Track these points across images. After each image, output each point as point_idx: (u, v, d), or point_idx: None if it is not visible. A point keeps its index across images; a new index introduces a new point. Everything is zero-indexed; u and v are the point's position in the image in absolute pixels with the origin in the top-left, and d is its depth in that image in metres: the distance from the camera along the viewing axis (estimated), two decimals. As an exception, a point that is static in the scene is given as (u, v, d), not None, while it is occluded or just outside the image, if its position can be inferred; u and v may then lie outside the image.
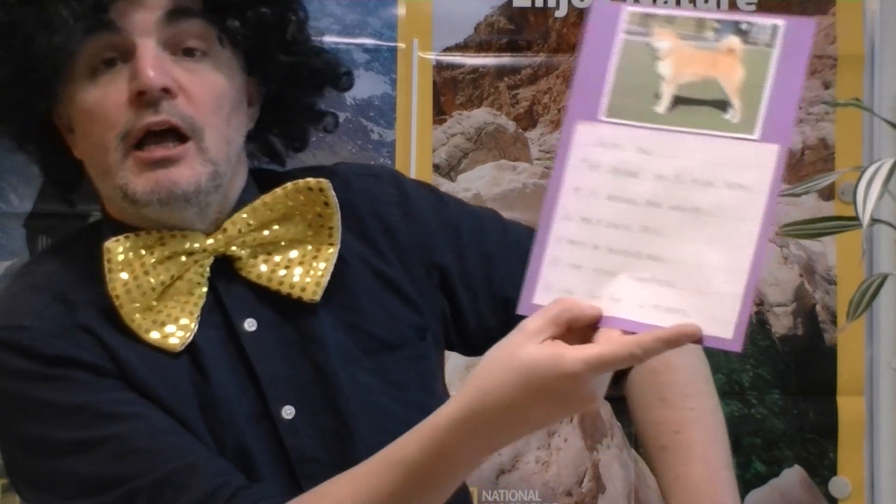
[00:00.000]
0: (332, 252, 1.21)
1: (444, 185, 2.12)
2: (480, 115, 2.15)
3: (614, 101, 1.01)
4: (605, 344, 0.95)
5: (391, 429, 1.06)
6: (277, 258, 1.20)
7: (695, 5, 2.14)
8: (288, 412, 1.18)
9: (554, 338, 0.96)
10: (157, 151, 1.13)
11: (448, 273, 1.28)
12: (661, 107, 1.00)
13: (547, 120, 2.18)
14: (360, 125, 2.09)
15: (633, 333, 0.95)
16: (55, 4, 1.11)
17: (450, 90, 2.14)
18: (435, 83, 2.12)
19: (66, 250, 1.23)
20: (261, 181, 1.26)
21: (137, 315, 1.15)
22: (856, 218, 1.08)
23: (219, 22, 1.18)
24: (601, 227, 0.99)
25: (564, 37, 2.16)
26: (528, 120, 2.17)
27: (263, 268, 1.20)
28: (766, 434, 2.12)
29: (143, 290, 1.15)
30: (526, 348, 0.96)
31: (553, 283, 1.00)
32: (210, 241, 1.18)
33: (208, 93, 1.16)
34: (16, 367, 1.14)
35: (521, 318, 1.27)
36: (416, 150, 2.11)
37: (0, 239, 2.08)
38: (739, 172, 0.96)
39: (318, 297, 1.20)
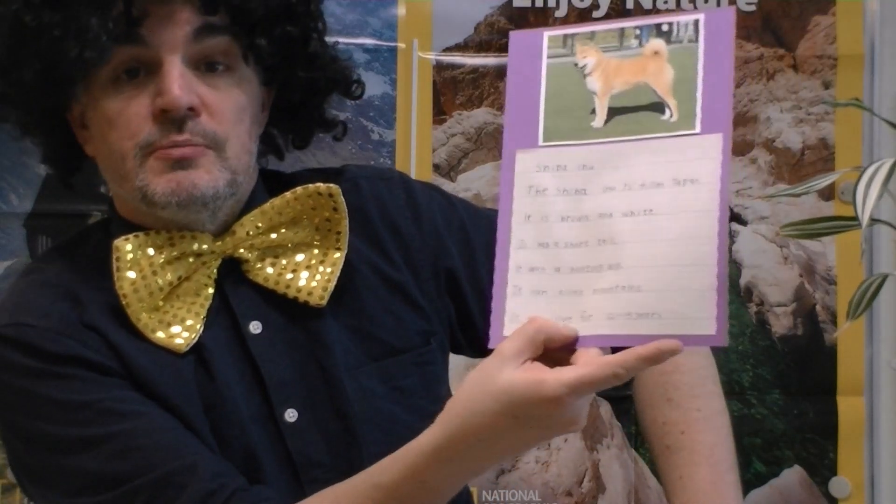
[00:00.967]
0: (339, 257, 1.21)
1: (444, 186, 2.12)
2: (480, 115, 2.15)
3: (549, 124, 1.01)
4: (585, 366, 0.93)
5: (396, 434, 1.06)
6: (284, 262, 1.20)
7: (695, 6, 2.14)
8: (291, 415, 1.18)
9: (533, 360, 0.95)
10: (177, 150, 1.14)
11: (457, 275, 1.28)
12: (598, 121, 1.00)
13: (547, 120, 2.18)
14: (360, 125, 2.09)
15: (616, 348, 0.94)
16: (87, 12, 1.11)
17: (450, 90, 2.14)
18: (435, 83, 2.12)
19: (76, 248, 1.24)
20: (269, 182, 1.26)
21: (144, 314, 1.16)
22: (856, 218, 1.08)
23: (245, 39, 1.18)
24: (558, 248, 0.99)
25: (564, 37, 2.16)
26: (528, 120, 2.17)
27: (270, 271, 1.20)
28: (766, 434, 2.12)
29: (150, 289, 1.15)
30: (504, 373, 0.94)
31: (519, 313, 0.99)
32: (218, 243, 1.19)
33: (231, 108, 1.17)
34: (21, 364, 1.14)
35: None
36: (416, 150, 2.11)
37: (0, 239, 2.08)
38: (687, 168, 0.96)
39: (324, 302, 1.20)
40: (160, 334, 1.16)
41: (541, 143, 1.01)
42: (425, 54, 2.11)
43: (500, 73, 2.14)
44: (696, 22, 0.99)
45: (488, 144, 2.15)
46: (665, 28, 0.99)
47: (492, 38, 2.14)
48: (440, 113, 2.13)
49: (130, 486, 1.11)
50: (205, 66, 1.16)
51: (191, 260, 1.17)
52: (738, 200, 2.13)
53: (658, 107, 0.99)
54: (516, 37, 1.04)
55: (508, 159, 1.02)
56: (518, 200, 1.01)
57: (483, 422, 0.96)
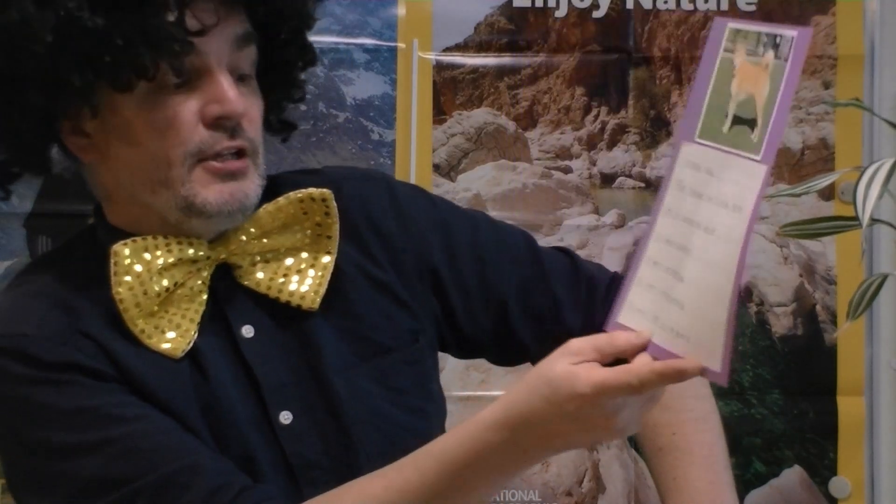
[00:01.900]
0: (329, 261, 1.22)
1: (444, 185, 2.12)
2: (480, 115, 2.15)
3: (706, 120, 0.99)
4: (617, 370, 0.96)
5: (392, 434, 1.06)
6: (276, 266, 1.21)
7: (695, 6, 2.15)
8: (286, 417, 1.19)
9: (599, 363, 0.98)
10: (232, 164, 1.16)
11: (440, 274, 1.28)
12: (726, 126, 0.97)
13: (547, 120, 2.18)
14: (360, 125, 2.09)
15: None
16: (155, 18, 1.11)
17: (450, 90, 2.14)
18: (435, 83, 2.12)
19: (64, 258, 1.23)
20: None
21: (140, 320, 1.16)
22: (856, 218, 1.08)
23: (270, 50, 1.21)
24: (673, 248, 0.99)
25: (564, 37, 2.16)
26: (528, 120, 2.17)
27: (262, 275, 1.21)
28: (766, 434, 2.12)
29: (147, 295, 1.16)
30: (557, 364, 0.99)
31: (634, 303, 1.00)
32: (214, 249, 1.19)
33: (257, 115, 1.20)
34: (17, 373, 1.14)
35: (514, 318, 1.28)
36: (416, 150, 2.11)
37: (0, 239, 2.08)
38: (741, 194, 0.94)
39: (316, 306, 1.21)
40: (156, 340, 1.16)
41: (696, 138, 0.99)
42: (425, 54, 2.11)
43: (500, 73, 2.15)
44: (792, 39, 0.93)
45: (488, 144, 2.15)
46: (778, 41, 0.94)
47: (492, 38, 2.14)
48: (440, 113, 2.13)
49: (132, 488, 1.11)
50: (238, 77, 1.17)
51: (186, 266, 1.18)
52: (738, 200, 2.13)
53: (753, 123, 0.95)
54: (715, 22, 1.00)
55: (674, 150, 1.01)
56: (667, 192, 1.00)
57: (532, 404, 1.00)
